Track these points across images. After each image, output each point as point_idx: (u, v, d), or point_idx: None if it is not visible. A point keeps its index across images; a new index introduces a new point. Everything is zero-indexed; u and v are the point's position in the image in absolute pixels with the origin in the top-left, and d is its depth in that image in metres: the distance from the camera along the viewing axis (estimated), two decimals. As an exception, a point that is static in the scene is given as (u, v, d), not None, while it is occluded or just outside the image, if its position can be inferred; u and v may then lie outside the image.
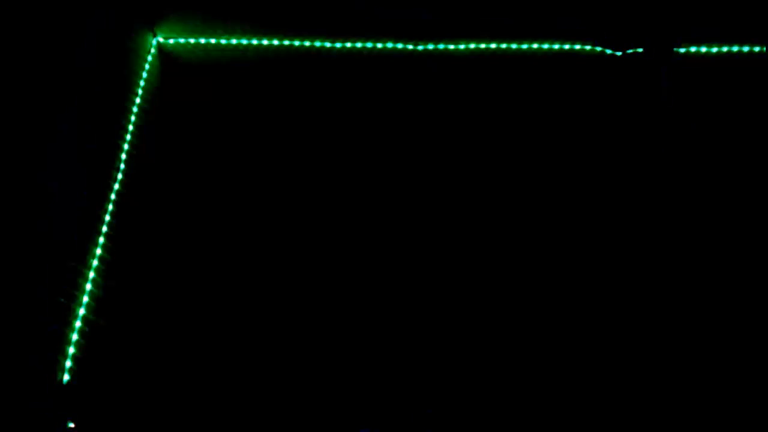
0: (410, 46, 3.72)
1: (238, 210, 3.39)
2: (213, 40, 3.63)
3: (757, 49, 3.51)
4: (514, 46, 3.69)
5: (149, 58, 3.54)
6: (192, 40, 3.63)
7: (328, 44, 3.69)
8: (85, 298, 2.94)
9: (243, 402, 2.96)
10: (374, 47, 3.70)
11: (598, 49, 3.67)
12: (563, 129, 3.56)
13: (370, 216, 3.38)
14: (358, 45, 3.71)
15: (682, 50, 3.59)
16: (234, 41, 3.66)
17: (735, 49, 3.53)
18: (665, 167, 3.46)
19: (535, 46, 3.69)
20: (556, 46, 3.69)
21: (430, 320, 3.14)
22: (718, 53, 3.55)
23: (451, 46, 3.71)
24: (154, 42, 3.61)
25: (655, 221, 3.38)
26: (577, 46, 3.68)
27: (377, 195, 3.42)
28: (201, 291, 3.16)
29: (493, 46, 3.69)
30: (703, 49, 3.56)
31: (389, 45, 3.71)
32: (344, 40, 3.70)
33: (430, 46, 3.72)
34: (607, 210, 3.40)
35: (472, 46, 3.70)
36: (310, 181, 3.45)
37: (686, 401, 3.00)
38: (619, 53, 3.66)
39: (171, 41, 3.63)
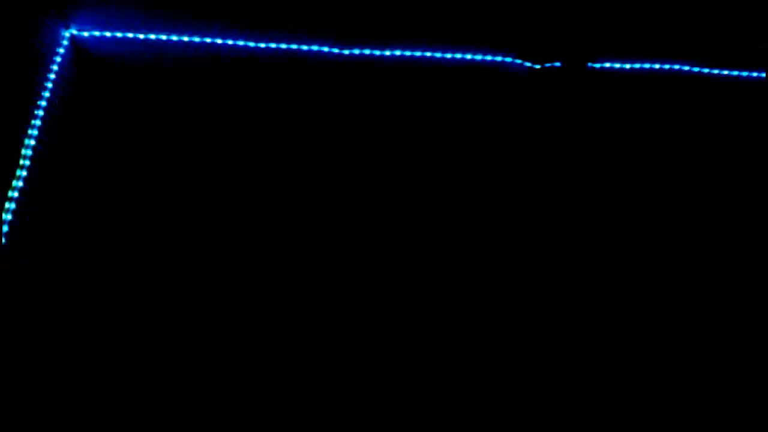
0: (336, 50, 3.68)
1: (141, 213, 3.30)
2: (131, 35, 3.44)
3: (673, 66, 3.74)
4: (437, 55, 3.74)
5: (61, 50, 3.30)
6: (108, 34, 3.42)
7: (252, 44, 3.59)
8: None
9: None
10: (299, 50, 3.64)
11: (518, 61, 3.78)
12: (480, 139, 3.65)
13: (286, 220, 3.37)
14: (283, 46, 3.63)
15: (597, 66, 3.76)
16: (153, 37, 3.48)
17: (647, 66, 3.74)
18: (577, 178, 3.63)
19: (457, 56, 3.74)
20: (478, 57, 3.76)
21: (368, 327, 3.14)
22: (632, 70, 3.74)
23: (377, 52, 3.71)
24: (66, 34, 3.37)
25: (565, 230, 3.54)
26: (498, 58, 3.77)
27: (291, 200, 3.41)
28: (99, 298, 3.11)
29: (417, 54, 3.72)
30: (617, 65, 3.75)
31: (314, 48, 3.66)
32: (270, 41, 3.62)
33: (356, 51, 3.70)
34: (519, 219, 3.54)
35: (398, 53, 3.71)
36: (216, 187, 3.39)
37: (663, 400, 3.13)
38: (537, 66, 3.78)
39: (86, 34, 3.41)
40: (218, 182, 3.43)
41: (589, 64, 3.76)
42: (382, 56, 3.71)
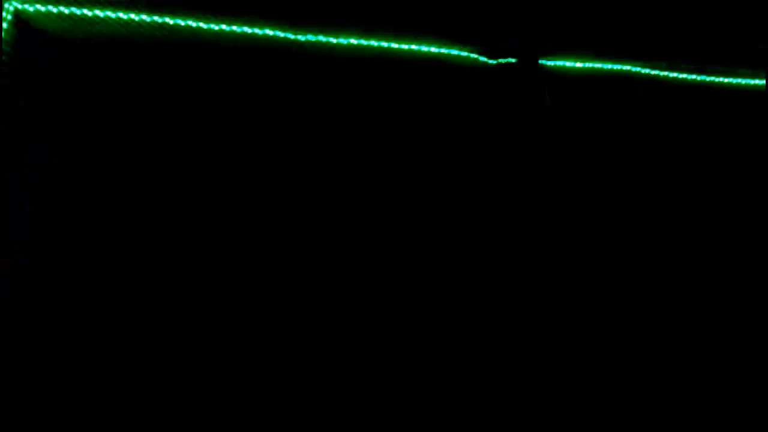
0: (289, 35, 3.61)
1: (78, 198, 3.18)
2: (79, 11, 3.28)
3: (624, 67, 3.82)
4: (393, 45, 3.71)
5: (4, 25, 3.13)
6: (54, 9, 3.26)
7: (204, 25, 3.49)
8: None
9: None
10: (248, 31, 3.56)
11: (473, 56, 3.80)
12: (434, 132, 3.66)
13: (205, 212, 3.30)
14: (234, 28, 3.54)
15: (550, 63, 3.82)
16: (101, 14, 3.34)
17: (599, 65, 3.82)
18: (531, 175, 3.69)
19: (413, 47, 3.73)
20: (434, 50, 3.76)
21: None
22: (584, 69, 3.81)
23: (332, 40, 3.66)
24: (10, 8, 3.20)
25: (517, 222, 3.60)
26: (454, 51, 3.78)
27: (216, 190, 3.33)
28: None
29: (372, 43, 3.69)
30: (569, 64, 3.81)
31: (267, 32, 3.58)
32: (221, 22, 3.52)
33: (310, 37, 3.64)
34: (470, 213, 3.58)
35: (354, 42, 3.66)
36: (158, 174, 3.30)
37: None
38: (492, 62, 3.81)
39: (30, 8, 3.24)
40: (162, 161, 3.34)
41: (541, 60, 3.81)
42: (337, 44, 3.66)
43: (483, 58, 3.79)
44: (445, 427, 3.12)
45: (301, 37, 3.61)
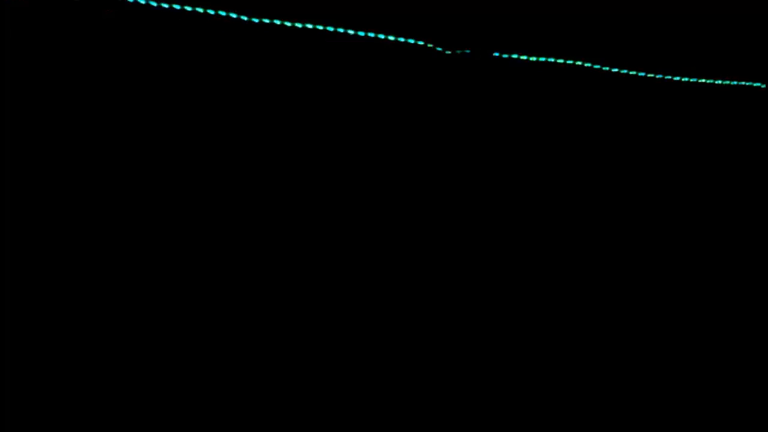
0: (243, 18, 3.44)
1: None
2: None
3: (576, 62, 3.93)
4: (350, 32, 3.63)
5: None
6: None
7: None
8: None
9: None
10: (204, 13, 3.35)
11: (429, 45, 3.78)
12: (387, 118, 3.62)
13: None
14: (188, 8, 3.32)
15: (505, 56, 3.86)
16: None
17: (552, 60, 3.91)
18: (477, 167, 3.73)
19: (370, 35, 3.66)
20: (391, 38, 3.70)
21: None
22: (537, 62, 3.88)
23: (287, 23, 3.52)
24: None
25: (467, 212, 3.64)
26: (411, 41, 3.74)
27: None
28: None
29: (329, 29, 3.58)
30: (523, 58, 3.87)
31: (221, 13, 3.38)
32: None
33: (265, 20, 3.48)
34: (420, 204, 3.57)
35: (309, 26, 3.54)
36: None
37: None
38: (448, 52, 3.81)
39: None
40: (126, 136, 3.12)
41: (495, 53, 3.86)
42: (292, 28, 3.52)
43: (439, 49, 3.78)
44: (436, 425, 3.11)
45: (255, 20, 3.46)
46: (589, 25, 3.93)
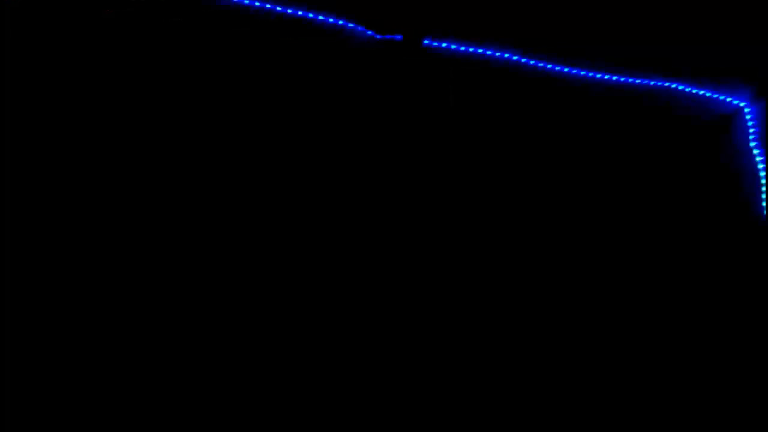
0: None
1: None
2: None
3: (503, 54, 3.78)
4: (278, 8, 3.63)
5: None
6: None
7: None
8: None
9: None
10: None
11: (360, 28, 3.73)
12: (308, 100, 3.58)
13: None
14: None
15: (435, 44, 3.76)
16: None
17: (480, 50, 3.77)
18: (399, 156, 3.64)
19: (299, 13, 3.65)
20: (320, 17, 3.68)
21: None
22: (466, 52, 3.75)
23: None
24: None
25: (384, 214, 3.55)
26: (341, 22, 3.70)
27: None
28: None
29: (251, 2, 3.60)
30: (453, 47, 3.75)
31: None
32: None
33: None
34: (346, 189, 3.52)
35: (245, 1, 3.57)
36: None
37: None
38: (378, 36, 3.74)
39: None
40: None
41: (426, 41, 3.76)
42: (210, 3, 3.56)
43: (370, 33, 3.73)
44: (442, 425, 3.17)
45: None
46: (534, 17, 3.77)
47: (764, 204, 3.96)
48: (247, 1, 3.60)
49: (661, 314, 3.66)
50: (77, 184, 3.18)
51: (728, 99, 3.99)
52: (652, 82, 3.88)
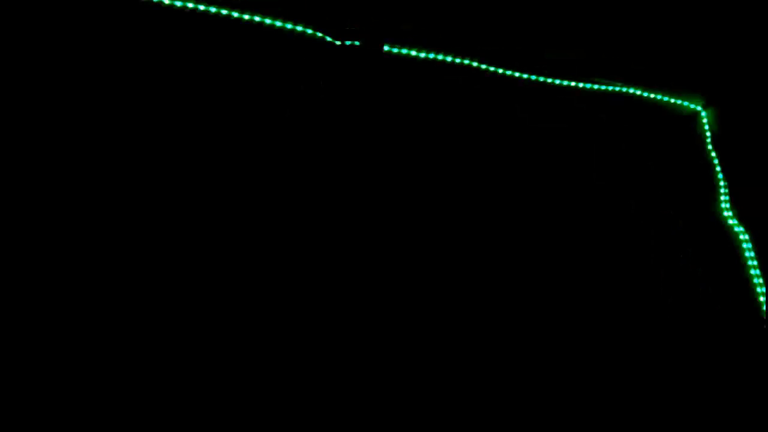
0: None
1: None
2: None
3: (464, 61, 3.78)
4: (234, 14, 3.57)
5: None
6: None
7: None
8: None
9: None
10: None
11: (319, 34, 3.68)
12: (272, 105, 3.53)
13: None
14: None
15: (395, 50, 3.72)
16: None
17: (441, 57, 3.75)
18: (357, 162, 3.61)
19: (256, 18, 3.59)
20: (278, 23, 3.62)
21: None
22: (426, 59, 3.73)
23: (165, 1, 3.48)
24: None
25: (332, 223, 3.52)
26: (298, 27, 3.65)
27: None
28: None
29: (212, 9, 3.53)
30: (413, 53, 3.72)
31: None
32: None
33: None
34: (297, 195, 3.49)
35: (189, 5, 3.50)
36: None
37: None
38: (337, 42, 3.69)
39: None
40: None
41: (386, 47, 3.72)
42: (170, 6, 3.48)
43: (329, 38, 3.68)
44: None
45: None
46: (496, 24, 3.76)
47: (721, 203, 4.05)
48: (202, 7, 3.53)
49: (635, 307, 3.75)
50: (77, 185, 3.15)
51: (685, 103, 4.08)
52: (611, 88, 3.94)
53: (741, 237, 3.98)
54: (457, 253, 3.57)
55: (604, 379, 3.53)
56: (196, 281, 3.18)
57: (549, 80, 3.82)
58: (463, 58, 3.73)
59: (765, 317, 3.87)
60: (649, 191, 3.93)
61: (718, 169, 4.08)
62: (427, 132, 3.70)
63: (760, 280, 3.91)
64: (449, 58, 3.72)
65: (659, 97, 4.04)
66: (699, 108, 4.11)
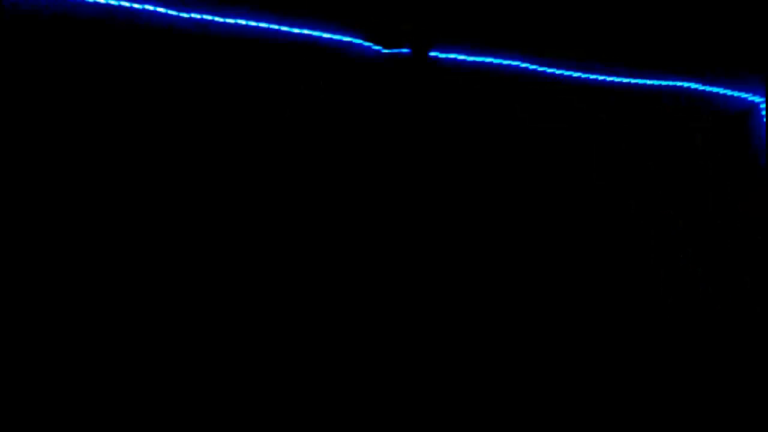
0: (172, 12, 3.47)
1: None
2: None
3: (511, 63, 3.74)
4: (285, 29, 3.59)
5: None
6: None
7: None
8: None
9: None
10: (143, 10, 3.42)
11: (366, 44, 3.68)
12: (318, 117, 3.55)
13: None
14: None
15: (441, 55, 3.71)
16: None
17: (487, 60, 3.72)
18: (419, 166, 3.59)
19: (305, 31, 3.60)
20: (325, 35, 3.63)
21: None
22: (473, 63, 3.71)
23: (218, 19, 3.52)
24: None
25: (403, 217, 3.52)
26: (346, 38, 3.66)
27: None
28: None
29: (261, 25, 3.56)
30: (460, 57, 3.71)
31: (149, 8, 3.44)
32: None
33: (194, 15, 3.50)
34: (356, 203, 3.49)
35: (242, 22, 3.53)
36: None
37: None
38: (385, 51, 3.70)
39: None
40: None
41: (431, 53, 3.72)
42: (223, 24, 3.52)
43: (376, 47, 3.68)
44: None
45: (184, 15, 3.48)
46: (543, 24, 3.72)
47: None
48: (253, 24, 3.56)
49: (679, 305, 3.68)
50: (76, 186, 3.19)
51: (743, 95, 3.96)
52: (666, 83, 3.86)
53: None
54: (486, 250, 3.58)
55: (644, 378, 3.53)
56: (196, 281, 3.21)
57: (604, 78, 3.77)
58: (512, 58, 3.70)
59: None
60: (708, 186, 3.87)
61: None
62: (474, 133, 3.70)
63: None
64: (497, 60, 3.70)
65: (716, 90, 3.94)
66: (759, 100, 4.00)
